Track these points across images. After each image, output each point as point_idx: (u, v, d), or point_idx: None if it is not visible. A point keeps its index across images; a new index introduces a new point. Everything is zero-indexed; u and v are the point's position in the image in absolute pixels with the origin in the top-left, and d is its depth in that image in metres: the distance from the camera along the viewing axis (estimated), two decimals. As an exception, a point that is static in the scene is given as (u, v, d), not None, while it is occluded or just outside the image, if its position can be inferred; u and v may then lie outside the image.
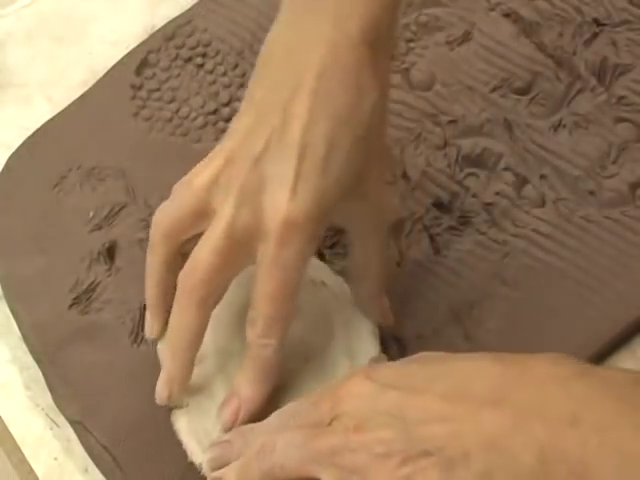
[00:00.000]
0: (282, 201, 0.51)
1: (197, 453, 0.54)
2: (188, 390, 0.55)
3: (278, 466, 0.48)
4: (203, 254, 0.52)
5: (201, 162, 0.55)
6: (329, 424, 0.47)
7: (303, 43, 0.53)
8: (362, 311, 0.58)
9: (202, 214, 0.53)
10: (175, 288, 0.54)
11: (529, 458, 0.43)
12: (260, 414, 0.53)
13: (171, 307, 0.54)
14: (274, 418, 0.51)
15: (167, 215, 0.55)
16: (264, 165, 0.52)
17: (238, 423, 0.53)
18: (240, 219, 0.52)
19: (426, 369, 0.48)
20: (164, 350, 0.56)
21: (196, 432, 0.54)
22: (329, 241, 0.62)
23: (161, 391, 0.55)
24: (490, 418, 0.44)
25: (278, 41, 0.55)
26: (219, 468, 0.51)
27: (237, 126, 0.54)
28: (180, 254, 0.55)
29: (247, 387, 0.53)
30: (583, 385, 0.44)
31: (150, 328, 0.57)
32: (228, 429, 0.53)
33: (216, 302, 0.54)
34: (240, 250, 0.52)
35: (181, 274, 0.53)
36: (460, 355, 0.49)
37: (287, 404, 0.52)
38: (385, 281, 0.58)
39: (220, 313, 0.55)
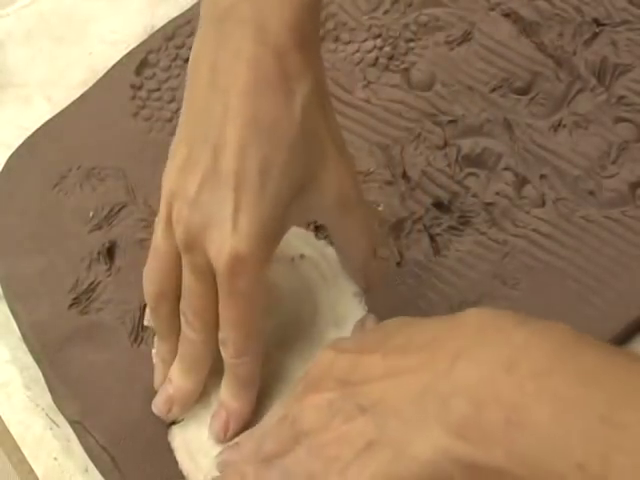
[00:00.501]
0: (224, 238, 0.50)
1: (192, 472, 0.54)
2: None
3: None
4: (190, 286, 0.53)
5: None
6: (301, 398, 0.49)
7: (225, 62, 0.51)
8: (346, 274, 0.58)
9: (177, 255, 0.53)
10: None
11: (462, 403, 0.42)
12: (255, 413, 0.55)
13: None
14: (268, 419, 0.52)
15: (152, 282, 0.55)
16: (202, 205, 0.51)
17: (230, 434, 0.54)
18: (194, 261, 0.52)
19: (380, 333, 0.49)
20: (173, 369, 0.56)
21: (191, 450, 0.55)
22: (330, 241, 0.62)
23: (162, 406, 0.56)
24: (425, 366, 0.44)
25: (202, 60, 0.53)
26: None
27: (171, 165, 0.53)
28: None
29: (232, 401, 0.54)
30: (523, 332, 0.43)
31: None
32: (221, 441, 0.54)
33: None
34: (213, 281, 0.52)
35: (181, 305, 0.54)
36: (418, 318, 0.49)
37: (282, 390, 0.54)
38: (372, 252, 0.57)
39: None
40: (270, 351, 0.55)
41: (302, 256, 0.59)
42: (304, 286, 0.58)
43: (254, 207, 0.50)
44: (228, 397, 0.54)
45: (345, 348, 0.49)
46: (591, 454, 0.40)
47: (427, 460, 0.43)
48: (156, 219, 0.54)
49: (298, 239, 0.59)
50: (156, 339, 0.57)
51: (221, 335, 0.53)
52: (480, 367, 0.43)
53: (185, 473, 0.55)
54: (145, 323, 0.59)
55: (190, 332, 0.54)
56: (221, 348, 0.53)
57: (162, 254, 0.53)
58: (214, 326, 0.53)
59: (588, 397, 0.41)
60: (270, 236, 0.51)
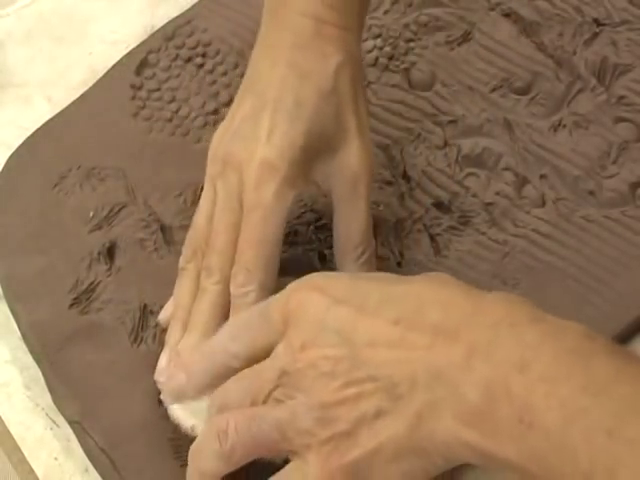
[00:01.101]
0: (258, 147, 0.55)
1: (184, 418, 0.54)
2: None
3: (239, 446, 0.48)
4: (218, 220, 0.57)
5: None
6: (280, 339, 0.48)
7: (274, 33, 0.59)
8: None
9: None
10: None
11: (475, 395, 0.43)
12: None
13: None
14: (224, 337, 0.52)
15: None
16: (242, 131, 0.57)
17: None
18: (227, 181, 0.56)
19: (380, 289, 0.48)
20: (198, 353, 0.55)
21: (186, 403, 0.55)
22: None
23: (166, 370, 0.56)
24: (440, 351, 0.44)
25: (257, 43, 0.61)
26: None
27: (220, 129, 0.60)
28: None
29: (231, 344, 0.54)
30: (536, 332, 0.44)
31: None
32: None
33: None
34: (239, 211, 0.56)
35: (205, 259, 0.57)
36: (417, 277, 0.49)
37: None
38: (369, 239, 0.59)
39: None
40: None
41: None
42: None
43: (287, 129, 0.56)
44: (227, 339, 0.53)
45: (340, 297, 0.48)
46: (597, 466, 0.40)
47: (441, 441, 0.44)
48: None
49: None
50: (174, 334, 0.57)
51: (234, 269, 0.55)
52: (494, 365, 0.43)
53: (175, 418, 0.55)
54: (160, 317, 0.59)
55: (208, 283, 0.55)
56: (231, 285, 0.55)
57: (205, 200, 0.58)
58: (230, 277, 0.55)
59: (596, 408, 0.41)
60: (297, 162, 0.56)
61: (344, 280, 0.50)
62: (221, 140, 0.58)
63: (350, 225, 0.58)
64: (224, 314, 0.56)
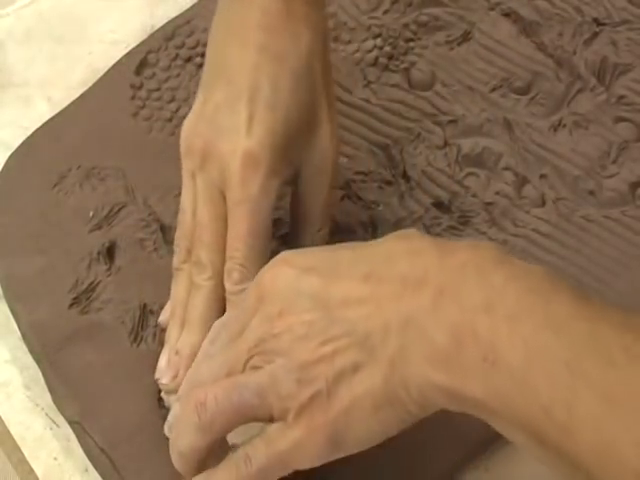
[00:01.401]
0: (239, 140, 0.55)
1: None
2: None
3: (218, 416, 0.48)
4: (202, 215, 0.57)
5: None
6: (254, 316, 0.48)
7: (239, 12, 0.58)
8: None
9: None
10: None
11: (443, 337, 0.44)
12: None
13: None
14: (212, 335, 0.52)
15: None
16: (218, 120, 0.56)
17: None
18: (208, 178, 0.56)
19: (348, 253, 0.49)
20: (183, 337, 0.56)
21: None
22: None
23: (166, 370, 0.56)
24: (409, 298, 0.45)
25: (218, 21, 0.60)
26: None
27: (190, 115, 0.59)
28: None
29: None
30: (501, 274, 0.44)
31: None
32: None
33: None
34: (223, 206, 0.56)
35: (193, 254, 0.57)
36: (385, 237, 0.49)
37: None
38: (328, 220, 0.60)
39: None
40: None
41: None
42: None
43: (266, 118, 0.55)
44: (206, 343, 0.53)
45: (309, 266, 0.49)
46: (556, 400, 0.41)
47: (414, 386, 0.45)
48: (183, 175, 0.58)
49: None
50: (173, 333, 0.57)
51: (227, 265, 0.55)
52: (461, 307, 0.44)
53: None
54: (161, 318, 0.59)
55: (201, 279, 0.55)
56: (226, 283, 0.55)
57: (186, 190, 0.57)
58: (222, 271, 0.55)
59: (555, 344, 0.42)
60: (279, 150, 0.55)
61: (312, 251, 0.51)
62: (194, 130, 0.57)
63: (315, 200, 0.59)
64: (220, 308, 0.56)
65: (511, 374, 0.42)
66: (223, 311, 0.55)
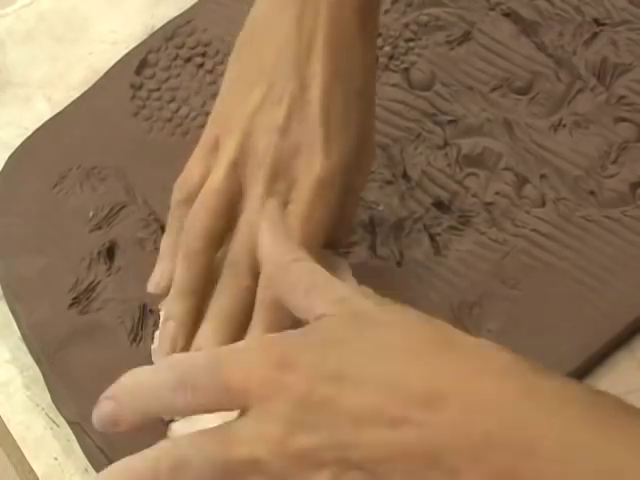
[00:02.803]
0: (316, 163, 0.54)
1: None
2: None
3: None
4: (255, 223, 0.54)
5: (200, 147, 0.58)
6: (241, 417, 0.42)
7: (309, 15, 0.56)
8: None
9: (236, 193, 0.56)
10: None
11: None
12: None
13: None
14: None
15: (201, 220, 0.55)
16: (292, 133, 0.55)
17: None
18: (276, 189, 0.54)
19: (350, 349, 0.42)
20: (203, 331, 0.55)
21: None
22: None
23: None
24: (441, 431, 0.40)
25: (279, 10, 0.57)
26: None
27: (245, 102, 0.56)
28: None
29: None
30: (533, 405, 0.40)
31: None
32: None
33: None
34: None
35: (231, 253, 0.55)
36: (380, 322, 0.43)
37: None
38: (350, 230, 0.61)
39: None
40: None
41: None
42: None
43: (340, 137, 0.55)
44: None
45: (311, 374, 0.41)
46: None
47: None
48: (216, 163, 0.56)
49: None
50: (169, 303, 0.56)
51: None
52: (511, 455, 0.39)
53: None
54: (160, 306, 0.58)
55: (236, 280, 0.54)
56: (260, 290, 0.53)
57: (223, 194, 0.55)
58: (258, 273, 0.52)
59: None
60: (347, 168, 0.55)
61: (306, 349, 0.43)
62: (257, 126, 0.55)
63: (346, 212, 0.59)
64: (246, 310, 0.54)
65: None
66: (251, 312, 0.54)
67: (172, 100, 0.70)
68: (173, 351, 0.55)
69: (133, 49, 0.72)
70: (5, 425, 0.60)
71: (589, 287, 0.61)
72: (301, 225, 0.54)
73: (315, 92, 0.55)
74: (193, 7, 0.74)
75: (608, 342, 0.60)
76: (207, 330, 0.55)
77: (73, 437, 0.59)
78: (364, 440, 0.40)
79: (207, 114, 0.68)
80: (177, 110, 0.69)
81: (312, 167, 0.54)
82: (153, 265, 0.62)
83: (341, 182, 0.55)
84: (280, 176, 0.55)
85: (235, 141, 0.56)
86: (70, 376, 0.59)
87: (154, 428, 0.56)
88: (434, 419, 0.40)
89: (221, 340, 0.54)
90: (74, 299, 0.62)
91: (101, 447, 0.57)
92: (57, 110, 0.70)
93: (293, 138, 0.55)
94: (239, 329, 0.54)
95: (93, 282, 0.62)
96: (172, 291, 0.56)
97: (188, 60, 0.71)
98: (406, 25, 0.71)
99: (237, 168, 0.56)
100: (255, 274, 0.53)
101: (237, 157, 0.55)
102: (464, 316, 0.60)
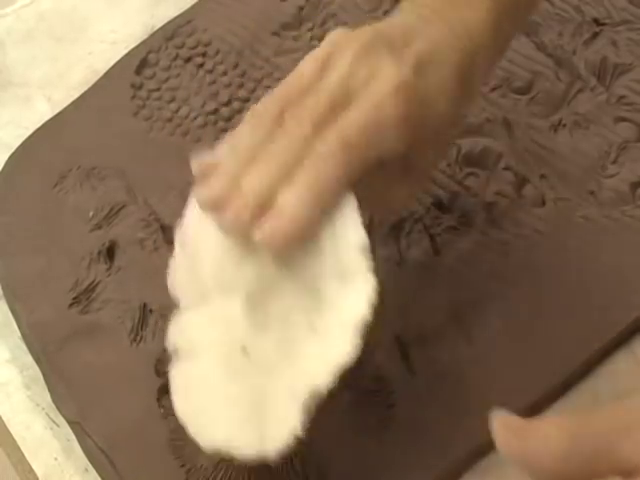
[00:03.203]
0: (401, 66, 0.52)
1: (172, 332, 0.52)
2: None
3: None
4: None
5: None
6: None
7: None
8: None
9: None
10: None
11: None
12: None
13: None
14: None
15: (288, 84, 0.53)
16: (385, 35, 0.53)
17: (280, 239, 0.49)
18: (359, 71, 0.52)
19: None
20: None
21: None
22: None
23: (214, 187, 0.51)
24: None
25: None
26: None
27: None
28: None
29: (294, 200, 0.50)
30: None
31: None
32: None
33: None
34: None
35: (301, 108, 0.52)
36: None
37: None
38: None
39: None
40: (258, 298, 0.51)
41: None
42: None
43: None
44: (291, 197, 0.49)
45: None
46: None
47: None
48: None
49: None
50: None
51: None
52: None
53: None
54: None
55: (297, 126, 0.51)
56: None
57: (307, 75, 0.52)
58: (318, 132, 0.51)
59: None
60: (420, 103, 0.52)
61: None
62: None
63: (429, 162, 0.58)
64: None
65: None
66: None
67: (172, 100, 0.70)
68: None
69: (133, 49, 0.72)
70: (5, 425, 0.60)
71: (589, 287, 0.61)
72: (363, 109, 0.51)
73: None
74: (193, 7, 0.74)
75: (608, 342, 0.60)
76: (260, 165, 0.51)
77: (73, 437, 0.59)
78: None
79: (207, 114, 0.69)
80: (177, 110, 0.69)
81: (398, 70, 0.52)
82: (153, 265, 0.62)
83: (414, 92, 0.52)
84: (368, 59, 0.52)
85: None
86: (70, 376, 0.59)
87: (154, 428, 0.56)
88: None
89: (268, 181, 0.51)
90: (74, 299, 0.62)
91: (101, 447, 0.57)
92: (57, 110, 0.70)
93: (385, 36, 0.53)
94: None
95: (93, 282, 0.62)
96: None
97: (188, 60, 0.71)
98: (406, 25, 0.71)
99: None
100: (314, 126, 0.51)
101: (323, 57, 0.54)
102: (464, 316, 0.60)
